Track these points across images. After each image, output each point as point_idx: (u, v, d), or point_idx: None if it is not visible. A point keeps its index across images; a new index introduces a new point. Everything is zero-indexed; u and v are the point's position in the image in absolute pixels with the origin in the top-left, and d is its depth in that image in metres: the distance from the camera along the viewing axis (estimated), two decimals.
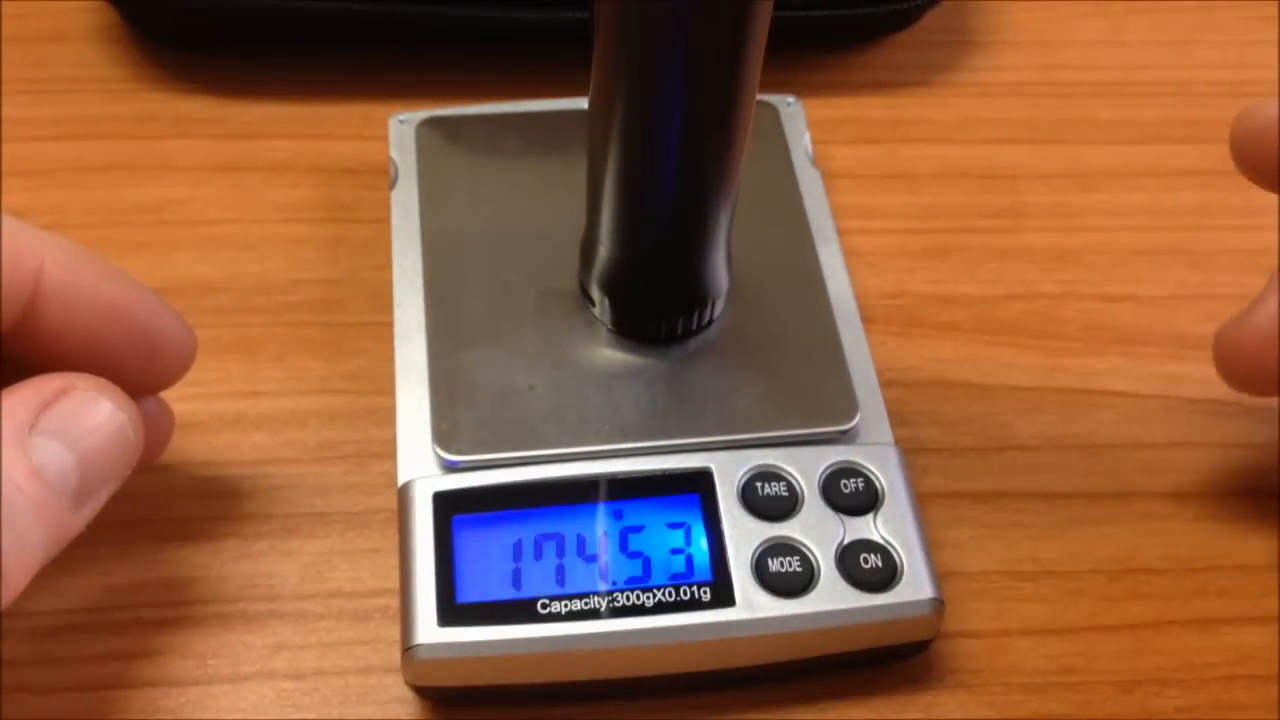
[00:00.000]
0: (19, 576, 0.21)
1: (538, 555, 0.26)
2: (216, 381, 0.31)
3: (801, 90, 0.36)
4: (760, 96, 0.25)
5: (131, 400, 0.24)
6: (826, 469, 0.28)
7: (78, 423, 0.23)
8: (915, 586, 0.26)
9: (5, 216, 0.23)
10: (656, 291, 0.29)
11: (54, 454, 0.22)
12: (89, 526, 0.24)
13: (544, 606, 0.25)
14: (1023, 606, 0.29)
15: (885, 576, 0.26)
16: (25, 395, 0.22)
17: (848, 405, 0.28)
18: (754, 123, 0.26)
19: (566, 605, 0.25)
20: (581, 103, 0.26)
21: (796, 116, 0.35)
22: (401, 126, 0.34)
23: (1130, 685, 0.28)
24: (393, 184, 0.33)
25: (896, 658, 0.28)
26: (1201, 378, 0.33)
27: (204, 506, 0.29)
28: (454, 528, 0.26)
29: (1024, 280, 0.35)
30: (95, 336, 0.24)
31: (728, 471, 0.27)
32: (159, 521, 0.29)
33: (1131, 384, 0.33)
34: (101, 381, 0.23)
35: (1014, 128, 0.39)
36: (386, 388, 0.29)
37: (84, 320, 0.24)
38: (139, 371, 0.25)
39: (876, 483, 0.27)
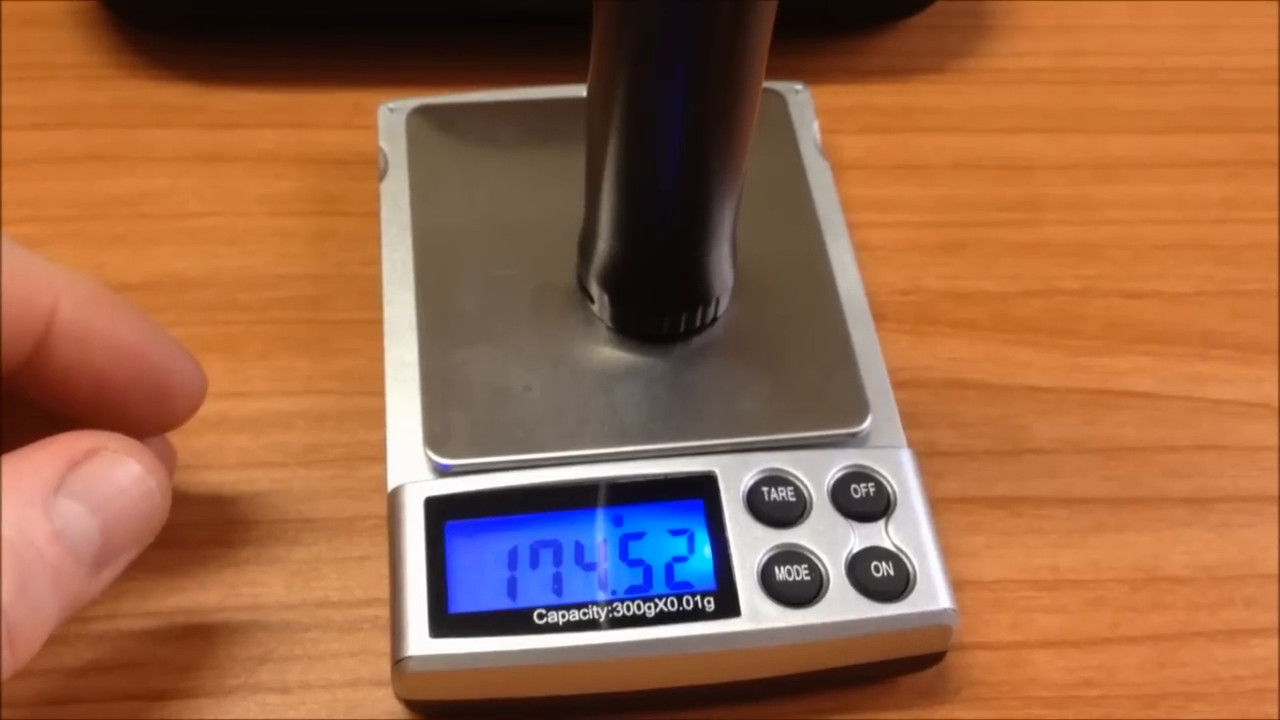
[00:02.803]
0: (29, 647, 0.21)
1: (534, 563, 0.26)
2: None
3: (810, 77, 0.36)
4: (766, 84, 0.25)
5: (161, 465, 0.24)
6: (836, 473, 0.27)
7: (104, 486, 0.22)
8: (929, 596, 0.26)
9: (19, 249, 0.23)
10: (658, 287, 0.29)
11: (77, 517, 0.22)
12: None
13: (540, 617, 0.25)
14: (1041, 617, 0.29)
15: (897, 586, 0.26)
16: (53, 452, 0.22)
17: (858, 406, 0.28)
18: (760, 111, 0.26)
19: (564, 615, 0.25)
20: (580, 90, 0.26)
21: (805, 104, 0.35)
22: (391, 115, 0.34)
23: (1154, 699, 0.28)
24: (382, 175, 0.33)
25: (909, 670, 0.28)
26: (1228, 377, 0.33)
27: (186, 513, 0.29)
28: (446, 534, 0.26)
29: (1042, 276, 0.35)
30: (106, 377, 0.24)
31: (732, 476, 0.27)
32: None
33: (1155, 384, 0.33)
34: (132, 444, 0.23)
35: (1032, 116, 0.39)
36: (376, 388, 0.29)
37: (96, 360, 0.24)
38: (148, 413, 0.25)
39: (888, 488, 0.27)
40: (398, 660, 0.25)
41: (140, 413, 0.25)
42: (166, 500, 0.24)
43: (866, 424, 0.28)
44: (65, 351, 0.24)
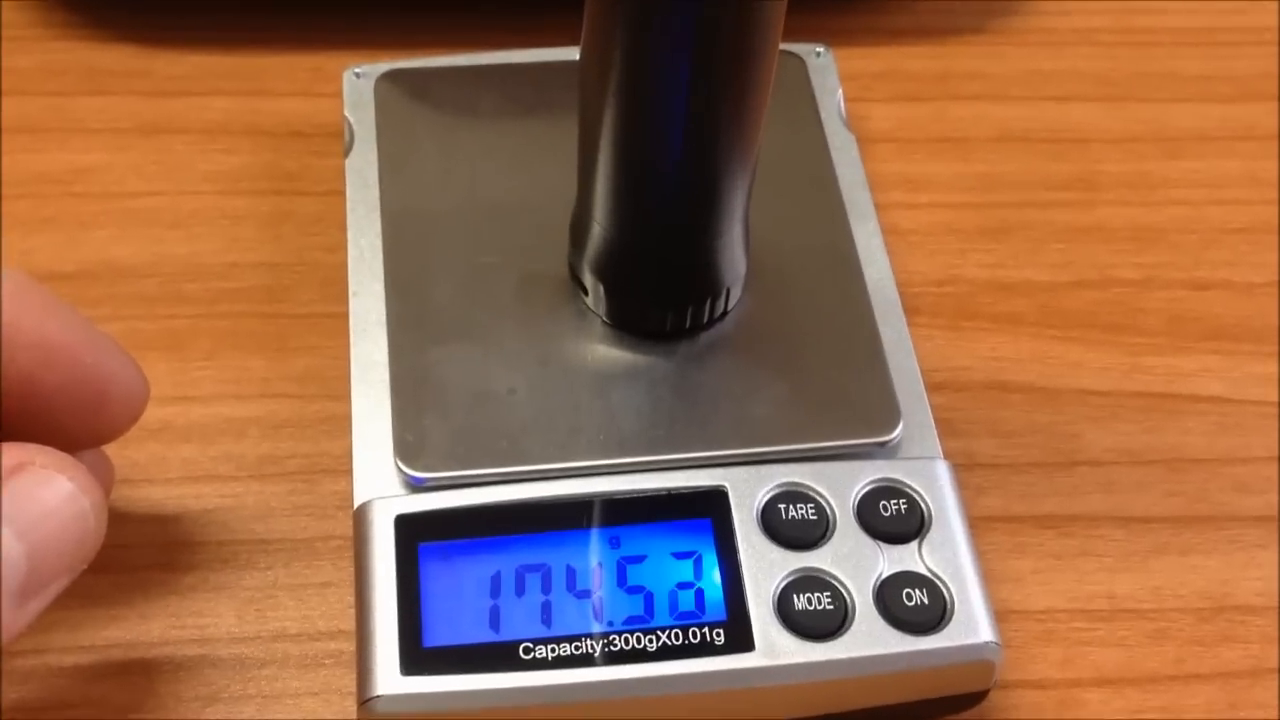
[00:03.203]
0: None
1: (520, 591, 0.26)
2: None
3: (833, 38, 0.36)
4: (784, 45, 0.25)
5: (96, 481, 0.24)
6: (863, 488, 0.28)
7: (31, 506, 0.22)
8: (968, 628, 0.26)
9: None
10: (661, 277, 0.29)
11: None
12: None
13: (527, 651, 0.25)
14: (1096, 651, 0.29)
15: (933, 616, 0.26)
16: None
17: (888, 413, 0.28)
18: (777, 77, 0.26)
19: (554, 650, 0.25)
20: (571, 52, 0.26)
21: (827, 69, 0.35)
22: (358, 81, 0.34)
23: None
24: (347, 149, 0.33)
25: (946, 712, 0.28)
26: None
27: (124, 533, 0.29)
28: (420, 557, 0.26)
29: (1097, 264, 0.35)
30: (34, 382, 0.24)
31: (745, 491, 0.27)
32: None
33: (1225, 387, 0.33)
34: (63, 458, 0.23)
35: (1085, 83, 0.39)
36: (340, 391, 0.29)
37: (22, 362, 0.24)
38: (82, 422, 0.25)
39: (922, 504, 0.27)
40: (365, 700, 0.25)
41: (73, 422, 0.25)
42: (102, 521, 0.24)
43: (897, 432, 0.28)
44: None
